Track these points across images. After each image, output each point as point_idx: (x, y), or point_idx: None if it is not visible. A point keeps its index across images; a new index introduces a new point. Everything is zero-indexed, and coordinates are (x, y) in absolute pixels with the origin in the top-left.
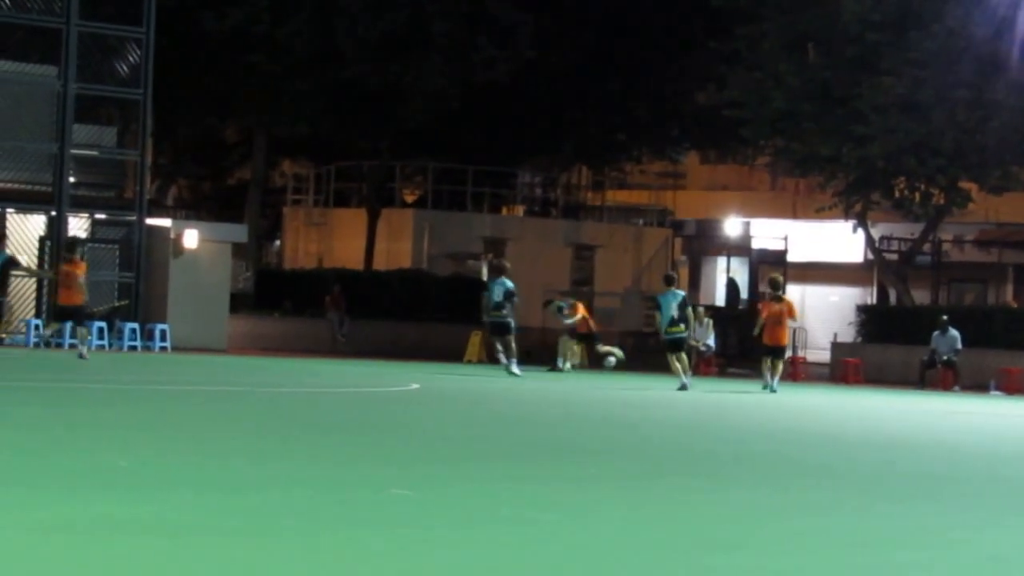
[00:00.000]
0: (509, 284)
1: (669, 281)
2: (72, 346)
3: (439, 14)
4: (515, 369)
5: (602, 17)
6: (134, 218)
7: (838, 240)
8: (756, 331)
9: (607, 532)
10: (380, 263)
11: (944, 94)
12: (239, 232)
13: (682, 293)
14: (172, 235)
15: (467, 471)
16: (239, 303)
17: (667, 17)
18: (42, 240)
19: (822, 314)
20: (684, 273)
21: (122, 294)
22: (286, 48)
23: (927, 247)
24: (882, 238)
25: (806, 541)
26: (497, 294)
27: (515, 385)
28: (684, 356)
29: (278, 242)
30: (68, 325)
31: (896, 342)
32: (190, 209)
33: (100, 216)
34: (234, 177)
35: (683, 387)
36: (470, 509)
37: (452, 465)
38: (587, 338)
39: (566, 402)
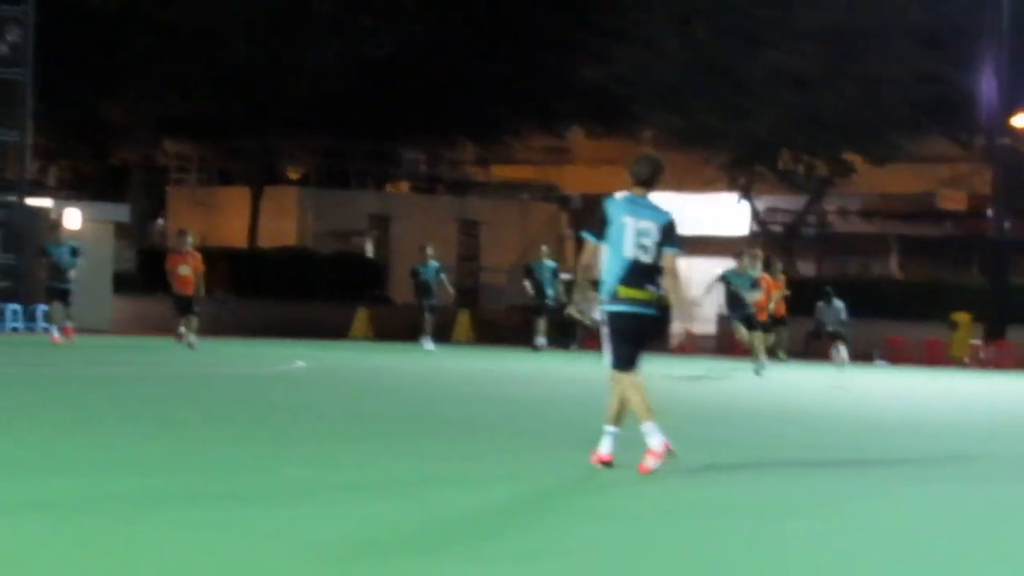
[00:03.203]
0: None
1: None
2: None
3: None
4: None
5: None
6: (15, 199)
7: (724, 213)
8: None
9: (500, 502)
10: (265, 241)
11: (829, 68)
12: (122, 212)
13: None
14: (53, 216)
15: (357, 448)
16: (123, 283)
17: None
18: None
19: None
20: (571, 248)
21: (4, 275)
22: (169, 27)
23: (812, 219)
24: (767, 210)
25: (694, 512)
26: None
27: (398, 362)
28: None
29: (161, 221)
30: None
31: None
32: (73, 190)
33: None
34: (117, 157)
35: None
36: (361, 486)
37: (342, 443)
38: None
39: (451, 378)
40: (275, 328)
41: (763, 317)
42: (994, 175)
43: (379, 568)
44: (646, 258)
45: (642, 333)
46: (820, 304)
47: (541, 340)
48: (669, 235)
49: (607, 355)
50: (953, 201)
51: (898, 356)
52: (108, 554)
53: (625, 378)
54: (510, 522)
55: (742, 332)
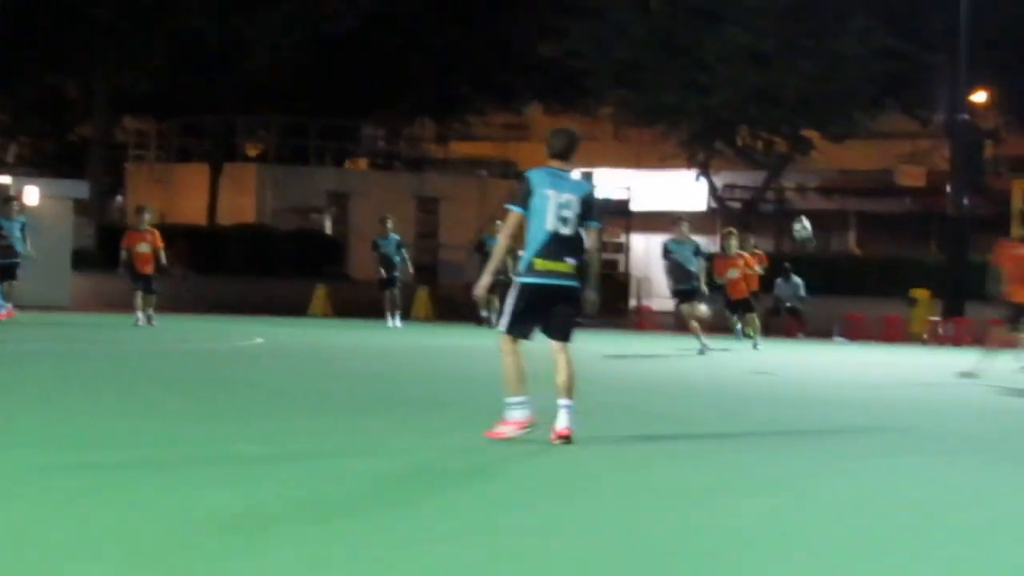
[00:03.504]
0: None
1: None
2: None
3: None
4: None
5: None
6: None
7: (682, 189)
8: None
9: (452, 478)
10: (224, 218)
11: (787, 43)
12: (81, 188)
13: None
14: (12, 192)
15: (313, 425)
16: (82, 260)
17: None
18: None
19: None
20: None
21: None
22: (128, 2)
23: (770, 195)
24: (725, 187)
25: (640, 490)
26: None
27: (356, 339)
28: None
29: (120, 198)
30: None
31: None
32: (32, 166)
33: None
34: (76, 134)
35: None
36: (316, 463)
37: (297, 419)
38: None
39: (410, 355)
40: (234, 305)
41: (738, 295)
42: (952, 151)
43: (315, 535)
44: (566, 230)
45: (551, 302)
46: (778, 281)
47: (484, 313)
48: (590, 208)
49: (503, 318)
50: (912, 177)
51: (857, 333)
52: (57, 527)
53: (507, 344)
54: (464, 498)
55: (701, 310)
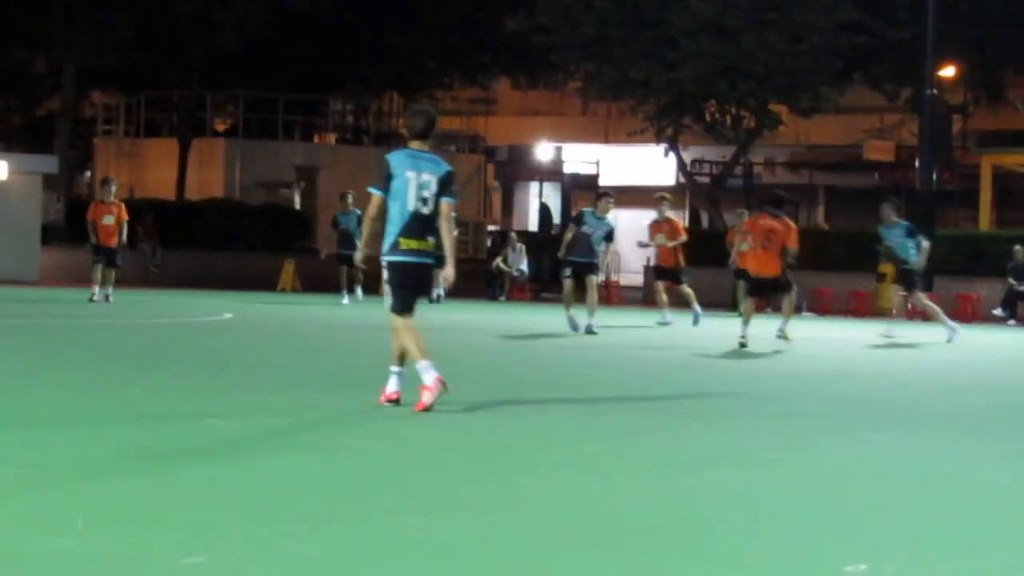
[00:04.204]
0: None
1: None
2: None
3: None
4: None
5: None
6: None
7: (650, 164)
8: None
9: (423, 456)
10: (192, 193)
11: (754, 17)
12: (49, 163)
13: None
14: None
15: (282, 400)
16: (51, 235)
17: None
18: None
19: (635, 238)
20: (497, 199)
21: None
22: None
23: (738, 170)
24: (694, 161)
25: (617, 463)
26: None
27: (324, 314)
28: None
29: (89, 173)
30: None
31: (708, 265)
32: (0, 140)
33: None
34: (44, 108)
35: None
36: (286, 438)
37: (267, 394)
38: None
39: (378, 330)
40: (203, 280)
41: (665, 263)
42: (921, 126)
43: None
44: (426, 209)
45: (420, 280)
46: None
47: (438, 291)
48: (447, 186)
49: (387, 300)
50: (880, 152)
51: (825, 307)
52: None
53: (400, 321)
54: (436, 473)
55: (566, 285)
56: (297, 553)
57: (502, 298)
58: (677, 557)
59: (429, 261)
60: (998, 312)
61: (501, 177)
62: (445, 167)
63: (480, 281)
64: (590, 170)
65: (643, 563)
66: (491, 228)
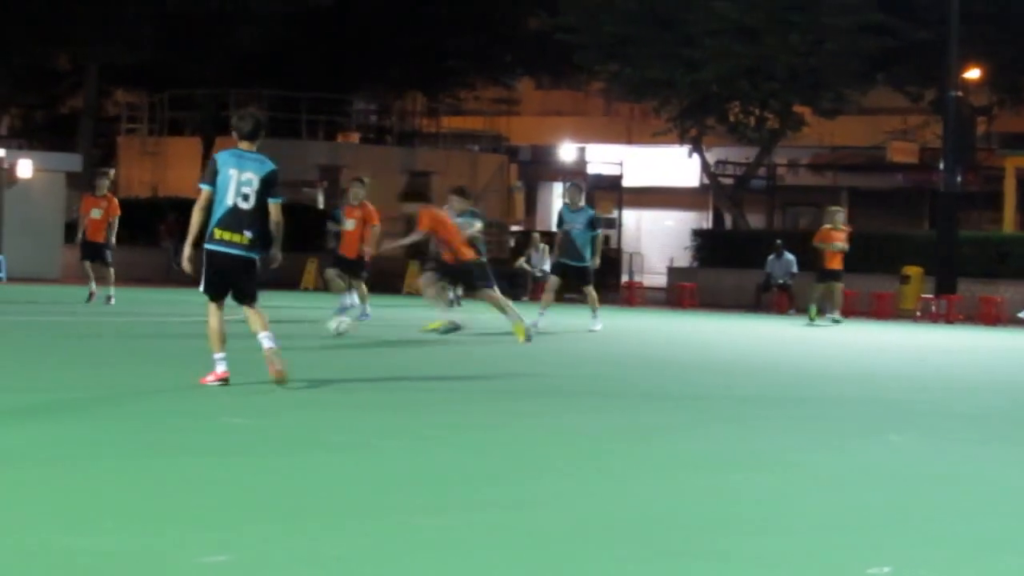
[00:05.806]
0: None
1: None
2: None
3: None
4: None
5: None
6: None
7: (673, 165)
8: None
9: (443, 456)
10: None
11: (777, 17)
12: (73, 161)
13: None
14: (5, 165)
15: (301, 398)
16: (74, 233)
17: None
18: None
19: (658, 239)
20: (520, 199)
21: None
22: None
23: (762, 171)
24: (717, 163)
25: (640, 463)
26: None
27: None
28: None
29: (112, 171)
30: None
31: (731, 266)
32: (23, 138)
33: None
34: (67, 106)
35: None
36: (304, 436)
37: (286, 393)
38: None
39: (399, 329)
40: None
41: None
42: (944, 128)
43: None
44: (245, 205)
45: (232, 270)
46: (770, 258)
47: (455, 293)
48: (271, 185)
49: (201, 284)
50: (903, 153)
51: (848, 309)
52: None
53: (211, 306)
54: (450, 473)
55: (552, 282)
56: (318, 552)
57: (525, 298)
58: (699, 558)
59: (238, 253)
60: (1022, 315)
61: (524, 177)
62: (269, 166)
63: (503, 281)
64: (614, 171)
65: (665, 563)
66: (514, 228)
